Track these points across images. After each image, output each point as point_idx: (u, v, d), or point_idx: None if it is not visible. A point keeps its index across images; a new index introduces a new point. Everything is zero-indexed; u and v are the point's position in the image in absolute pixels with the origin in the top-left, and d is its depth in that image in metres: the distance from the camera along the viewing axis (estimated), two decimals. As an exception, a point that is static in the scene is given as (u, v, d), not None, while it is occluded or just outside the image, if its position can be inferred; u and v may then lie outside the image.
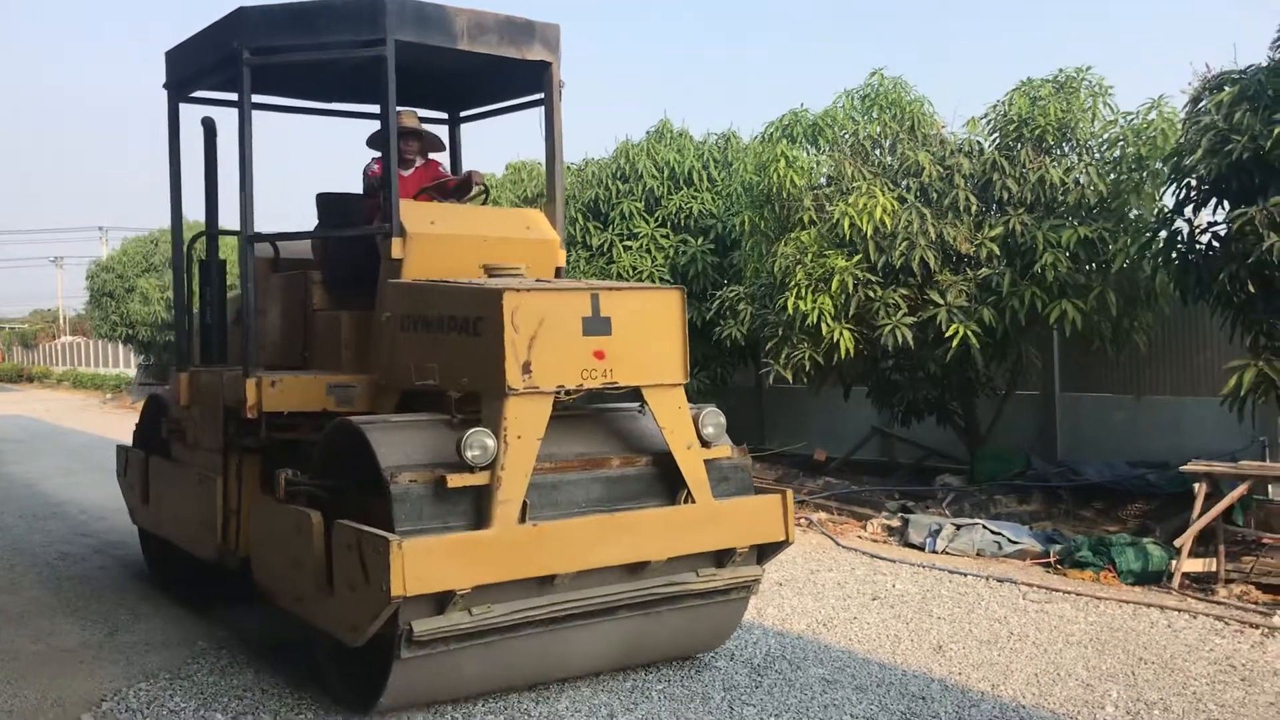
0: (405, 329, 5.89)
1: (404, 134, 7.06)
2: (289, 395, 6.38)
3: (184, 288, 7.67)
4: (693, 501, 5.54)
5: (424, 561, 4.78)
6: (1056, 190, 10.33)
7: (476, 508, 5.10)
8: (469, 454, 4.96)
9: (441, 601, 4.93)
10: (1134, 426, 11.31)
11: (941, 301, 10.04)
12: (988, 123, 11.02)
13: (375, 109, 7.61)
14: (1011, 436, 11.90)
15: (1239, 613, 7.12)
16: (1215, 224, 8.58)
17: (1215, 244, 8.51)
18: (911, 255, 10.05)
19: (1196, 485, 8.20)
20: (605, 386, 5.35)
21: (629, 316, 5.40)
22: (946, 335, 9.93)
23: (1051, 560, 8.55)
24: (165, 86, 7.47)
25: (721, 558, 5.70)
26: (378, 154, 7.13)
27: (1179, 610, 7.20)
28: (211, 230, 7.73)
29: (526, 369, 5.10)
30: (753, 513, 5.72)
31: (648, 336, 5.47)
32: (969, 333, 9.86)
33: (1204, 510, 8.05)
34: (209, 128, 7.29)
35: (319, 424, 6.46)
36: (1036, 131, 10.50)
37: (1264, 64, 8.19)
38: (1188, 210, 8.69)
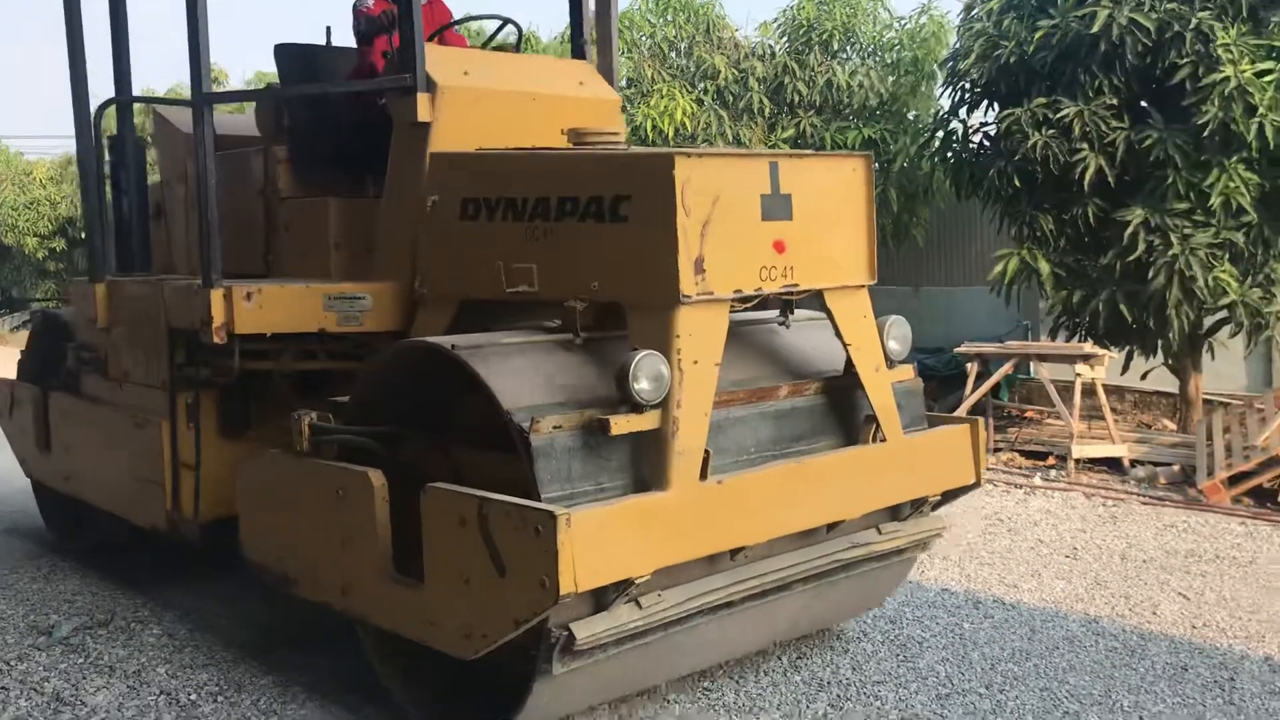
0: (469, 217, 4.32)
1: None
2: (272, 312, 4.72)
3: (95, 173, 5.78)
4: (883, 439, 4.24)
5: (599, 542, 3.35)
6: (843, 93, 11.27)
7: (637, 462, 3.68)
8: (639, 387, 3.52)
9: (601, 593, 3.53)
10: (914, 316, 11.18)
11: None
12: (779, 27, 11.81)
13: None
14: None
15: (1005, 476, 8.43)
16: (986, 124, 9.52)
17: (986, 143, 9.48)
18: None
19: (969, 365, 9.49)
20: (784, 290, 3.96)
21: (812, 195, 4.01)
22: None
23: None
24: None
25: (899, 508, 4.45)
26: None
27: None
28: (123, 96, 5.88)
29: (700, 267, 3.66)
30: (943, 450, 4.47)
31: (831, 222, 4.09)
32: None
33: (975, 388, 9.40)
34: None
35: (306, 350, 4.88)
36: (824, 36, 11.38)
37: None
38: (962, 111, 9.61)
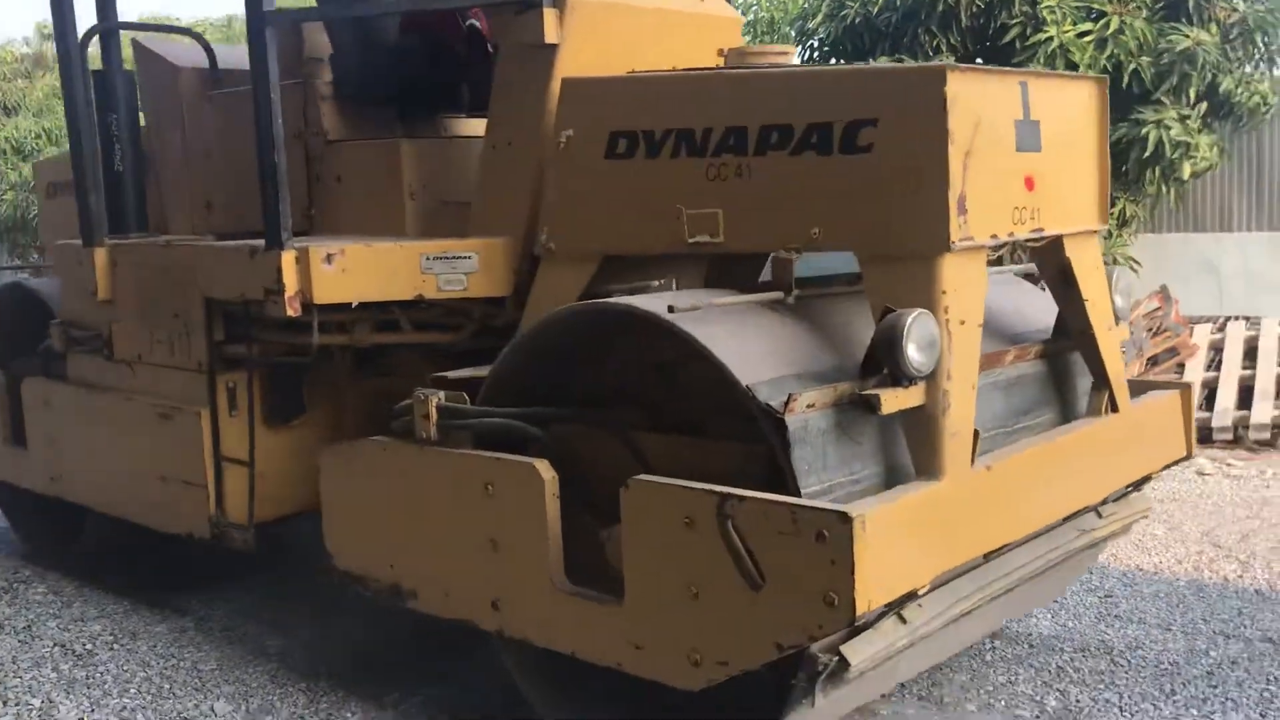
0: (619, 154, 3.58)
1: None
2: (360, 277, 3.91)
3: (86, 114, 4.85)
4: (1115, 410, 3.67)
5: (888, 547, 2.70)
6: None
7: (888, 446, 3.05)
8: (913, 355, 2.86)
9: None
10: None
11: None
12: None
13: None
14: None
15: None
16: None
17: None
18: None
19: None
20: (1031, 236, 3.34)
21: (1057, 122, 3.38)
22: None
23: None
24: None
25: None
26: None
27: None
28: (108, 23, 4.96)
29: (962, 207, 3.01)
30: (1161, 421, 3.92)
31: (1073, 155, 3.49)
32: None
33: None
34: None
35: (384, 321, 4.13)
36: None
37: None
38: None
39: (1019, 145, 3.21)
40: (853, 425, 2.96)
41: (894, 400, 2.87)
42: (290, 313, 3.86)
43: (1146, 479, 3.87)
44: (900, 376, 2.88)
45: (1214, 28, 8.83)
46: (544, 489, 3.22)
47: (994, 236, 3.13)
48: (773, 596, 2.75)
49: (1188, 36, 8.61)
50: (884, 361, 2.90)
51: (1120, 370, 3.65)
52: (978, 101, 3.04)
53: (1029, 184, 3.25)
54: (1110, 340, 3.62)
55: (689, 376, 3.32)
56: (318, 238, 4.13)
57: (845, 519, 2.60)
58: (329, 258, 3.85)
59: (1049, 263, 3.58)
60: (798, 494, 2.80)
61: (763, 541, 2.75)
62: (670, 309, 2.99)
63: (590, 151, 3.64)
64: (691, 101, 3.43)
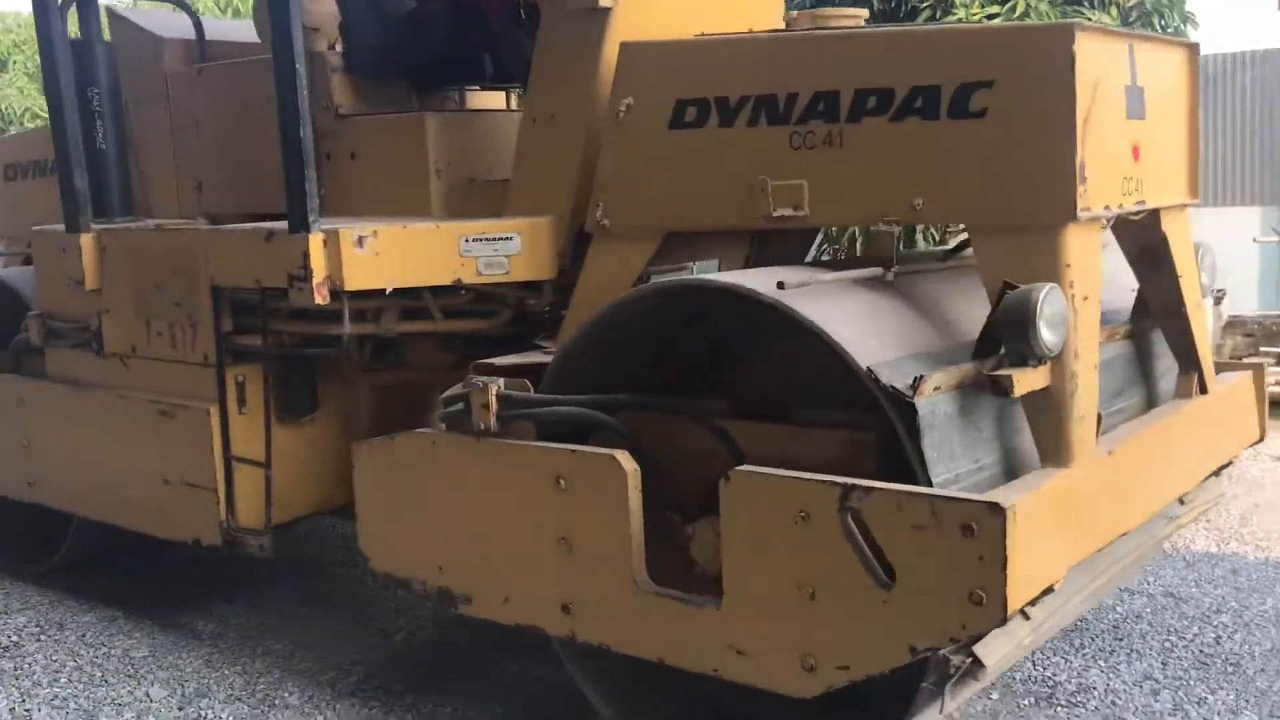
0: (687, 124, 3.34)
1: None
2: (394, 260, 3.61)
3: (70, 89, 4.47)
4: (1205, 391, 3.52)
5: (1033, 541, 2.50)
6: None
7: (1006, 432, 2.85)
8: (1045, 334, 2.66)
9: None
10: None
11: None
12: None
13: None
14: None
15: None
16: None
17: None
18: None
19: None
20: (1134, 210, 3.17)
21: (1158, 89, 3.21)
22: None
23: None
24: None
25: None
26: None
27: None
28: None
29: (1082, 175, 2.82)
30: (1239, 403, 3.78)
31: (1169, 123, 3.32)
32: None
33: None
34: None
35: (413, 308, 3.86)
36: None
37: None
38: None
39: (1129, 112, 3.03)
40: (974, 409, 2.75)
41: (1025, 381, 2.68)
42: (319, 300, 3.56)
43: (1228, 464, 3.73)
44: (1029, 356, 2.69)
45: (1114, 10, 9.05)
46: (626, 482, 2.97)
47: (1107, 208, 2.95)
48: (906, 596, 2.54)
49: (1089, 19, 8.70)
50: (1009, 340, 2.70)
51: (1209, 351, 3.51)
52: (1097, 63, 2.85)
53: (1135, 153, 3.08)
54: (1200, 319, 3.47)
55: (778, 360, 3.10)
56: (342, 219, 3.83)
57: (997, 510, 2.39)
58: (360, 240, 3.55)
59: (1137, 237, 3.41)
60: (929, 484, 2.59)
61: (894, 536, 2.53)
62: (781, 285, 2.76)
63: (653, 121, 3.39)
64: (773, 65, 3.20)
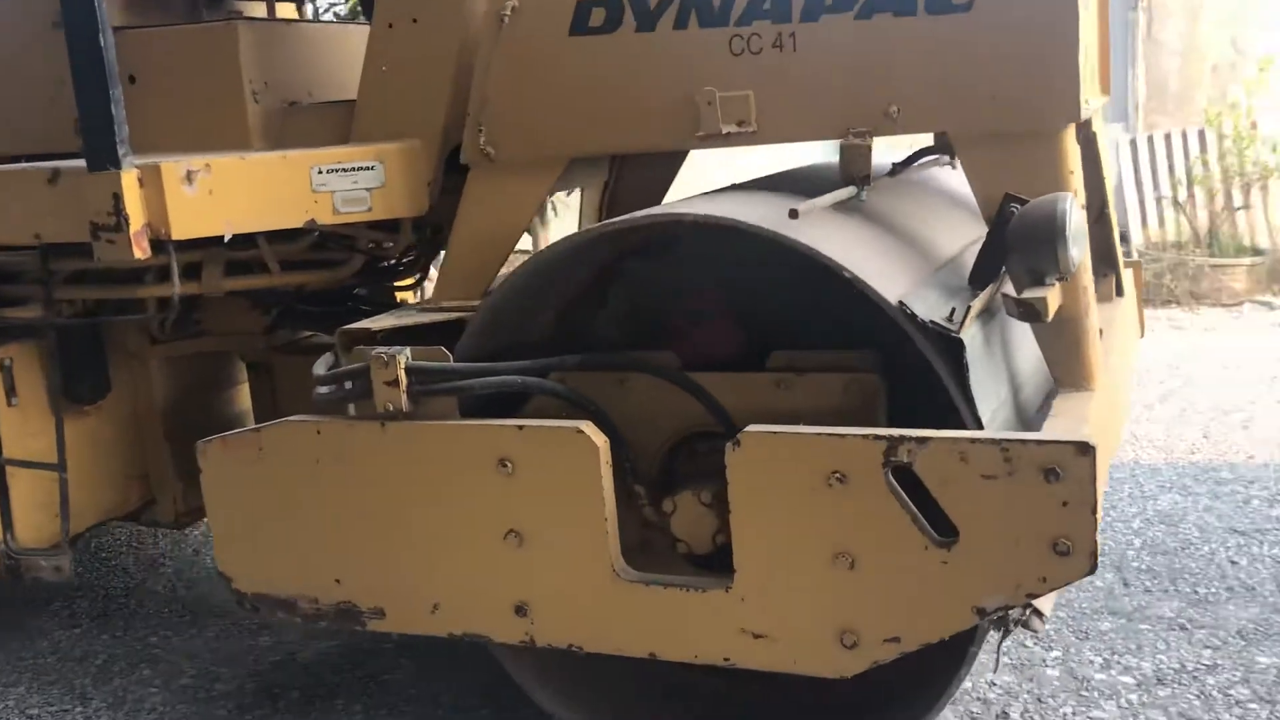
0: (593, 29, 2.83)
1: None
2: (231, 201, 2.94)
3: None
4: (1120, 293, 3.44)
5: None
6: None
7: (1012, 357, 2.62)
8: (1073, 250, 2.42)
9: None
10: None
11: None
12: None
13: None
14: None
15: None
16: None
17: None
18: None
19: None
20: (1095, 106, 2.97)
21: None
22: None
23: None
24: None
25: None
26: None
27: None
28: None
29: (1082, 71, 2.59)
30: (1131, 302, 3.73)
31: (1093, 18, 3.14)
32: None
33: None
34: None
35: (236, 260, 3.25)
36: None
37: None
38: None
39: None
40: (993, 338, 2.50)
41: (1056, 303, 2.44)
42: (139, 254, 2.84)
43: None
44: (1047, 275, 2.44)
45: None
46: (597, 458, 2.51)
47: (1088, 104, 2.74)
48: (971, 553, 2.25)
49: None
50: (1027, 259, 2.44)
51: (1118, 252, 3.43)
52: (1081, -54, 2.61)
53: (1093, 49, 2.89)
54: (1113, 220, 3.38)
55: (722, 301, 2.74)
56: (160, 155, 3.07)
57: (1085, 451, 2.14)
58: (190, 175, 2.84)
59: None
60: (979, 425, 2.31)
61: (957, 489, 2.24)
62: (793, 214, 2.36)
63: (549, 25, 2.87)
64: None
